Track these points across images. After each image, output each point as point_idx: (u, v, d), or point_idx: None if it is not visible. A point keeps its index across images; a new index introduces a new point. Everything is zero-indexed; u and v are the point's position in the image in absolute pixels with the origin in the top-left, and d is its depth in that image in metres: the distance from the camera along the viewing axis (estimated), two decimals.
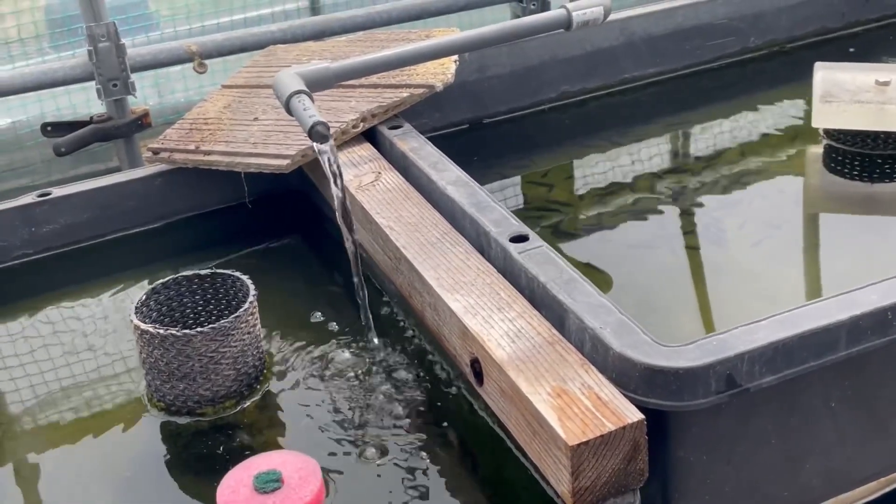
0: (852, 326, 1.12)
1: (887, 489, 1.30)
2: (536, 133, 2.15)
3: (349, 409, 1.33)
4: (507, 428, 1.17)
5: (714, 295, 1.56)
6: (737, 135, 2.08)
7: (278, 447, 1.28)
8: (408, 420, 1.30)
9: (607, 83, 2.24)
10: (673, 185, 1.89)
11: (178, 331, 1.30)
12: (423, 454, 1.25)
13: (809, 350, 1.11)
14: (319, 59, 1.79)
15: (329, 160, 1.34)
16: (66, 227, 1.75)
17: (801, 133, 2.02)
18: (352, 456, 1.25)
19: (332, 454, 1.26)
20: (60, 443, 1.35)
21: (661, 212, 1.81)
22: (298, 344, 1.48)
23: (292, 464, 1.15)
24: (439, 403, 1.34)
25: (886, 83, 1.88)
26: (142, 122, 2.21)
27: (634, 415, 1.04)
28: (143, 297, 1.39)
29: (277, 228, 1.83)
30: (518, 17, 2.53)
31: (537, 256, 1.30)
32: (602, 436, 1.02)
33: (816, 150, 1.94)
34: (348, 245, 1.39)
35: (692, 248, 1.69)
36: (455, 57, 1.85)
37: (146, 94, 2.49)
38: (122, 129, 2.21)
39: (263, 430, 1.32)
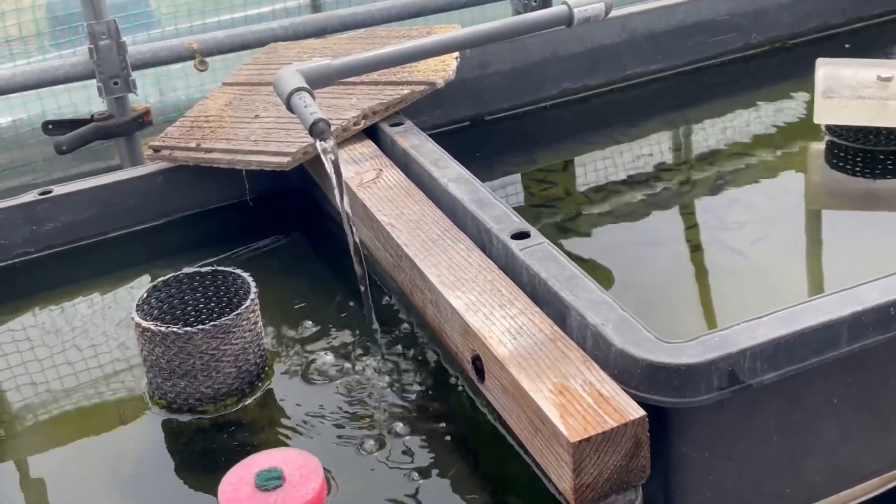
0: (854, 323, 1.12)
1: (890, 486, 1.30)
2: (538, 130, 2.15)
3: (351, 406, 1.33)
4: (509, 425, 1.17)
5: (716, 292, 1.56)
6: (739, 131, 2.08)
7: (280, 445, 1.27)
8: (409, 417, 1.30)
9: (609, 80, 2.23)
10: (675, 182, 1.89)
11: (179, 328, 1.30)
12: (425, 451, 1.25)
13: (811, 346, 1.11)
14: (320, 57, 1.78)
15: (330, 157, 1.34)
16: (68, 225, 1.75)
17: (803, 129, 2.02)
18: (353, 453, 1.25)
19: (334, 452, 1.25)
20: (62, 441, 1.35)
21: (662, 208, 1.81)
22: (300, 341, 1.48)
23: (294, 461, 1.15)
24: (441, 400, 1.33)
25: (889, 79, 1.87)
26: (143, 120, 2.21)
27: (636, 411, 1.04)
28: (145, 295, 1.38)
29: (279, 226, 1.83)
30: (519, 13, 2.53)
31: (539, 253, 1.30)
32: (604, 432, 1.01)
33: (818, 147, 1.93)
34: (350, 241, 1.38)
35: (694, 245, 1.69)
36: (456, 54, 1.84)
37: (147, 92, 2.49)
38: (123, 127, 2.21)
39: (265, 427, 1.32)
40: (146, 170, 1.82)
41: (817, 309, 1.13)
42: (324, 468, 1.15)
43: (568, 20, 1.64)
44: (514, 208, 1.44)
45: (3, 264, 1.71)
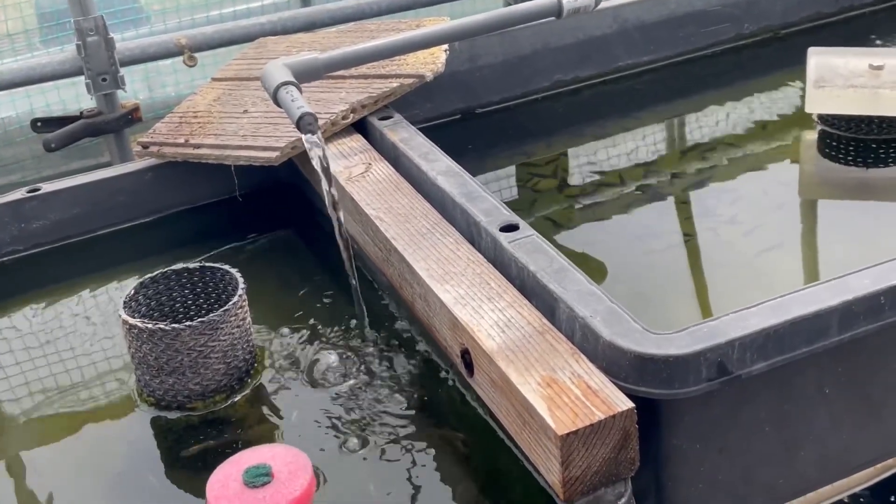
0: (844, 312, 1.11)
1: (883, 476, 1.29)
2: (529, 122, 2.14)
3: (340, 402, 1.32)
4: (499, 419, 1.16)
5: (710, 283, 1.56)
6: (731, 122, 2.07)
7: (269, 441, 1.27)
8: (400, 412, 1.29)
9: (601, 71, 2.22)
10: (667, 173, 1.88)
11: (166, 325, 1.29)
12: (415, 446, 1.24)
13: (801, 336, 1.10)
14: (309, 51, 1.77)
15: (318, 152, 1.33)
16: (56, 223, 1.74)
17: (796, 119, 2.01)
18: (342, 449, 1.24)
19: (323, 448, 1.25)
20: (50, 439, 1.34)
21: (655, 200, 1.80)
22: (289, 337, 1.47)
23: (282, 458, 1.14)
24: (431, 395, 1.33)
25: (880, 68, 1.87)
26: (132, 117, 2.20)
27: (624, 403, 1.03)
28: (132, 292, 1.37)
29: (269, 222, 1.82)
30: (509, 5, 2.52)
31: (527, 245, 1.29)
32: (591, 425, 1.01)
33: (811, 136, 1.93)
34: (339, 236, 1.37)
35: (687, 236, 1.68)
36: (445, 46, 1.83)
37: (136, 88, 2.48)
38: (112, 124, 2.20)
39: (254, 424, 1.31)
40: (135, 166, 1.81)
41: (807, 298, 1.12)
42: (313, 464, 1.14)
43: (557, 11, 1.63)
44: (506, 202, 1.43)
45: None
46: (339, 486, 1.19)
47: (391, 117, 1.75)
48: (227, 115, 1.84)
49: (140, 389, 1.36)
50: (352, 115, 1.74)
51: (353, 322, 1.47)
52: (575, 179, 1.91)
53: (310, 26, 2.30)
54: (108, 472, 1.27)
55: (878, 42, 2.27)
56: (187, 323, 1.29)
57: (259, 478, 1.11)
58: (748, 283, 1.53)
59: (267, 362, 1.41)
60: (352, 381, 1.36)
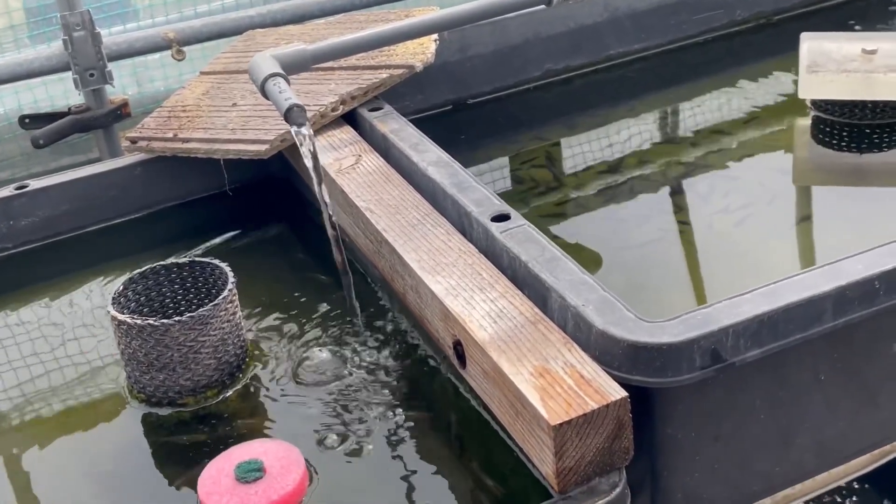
0: (839, 297, 1.10)
1: (880, 462, 1.29)
2: (521, 112, 2.12)
3: (333, 395, 1.31)
4: (492, 410, 1.15)
5: (704, 271, 1.55)
6: (724, 109, 2.06)
7: (262, 436, 1.26)
8: (392, 405, 1.28)
9: (592, 60, 2.21)
10: (660, 162, 1.87)
11: (155, 320, 1.28)
12: (408, 439, 1.23)
13: (795, 322, 1.09)
14: (298, 43, 1.75)
15: (307, 144, 1.32)
16: (45, 220, 1.72)
17: (789, 105, 2.00)
18: (335, 443, 1.23)
19: (316, 442, 1.24)
20: (41, 437, 1.33)
21: (648, 189, 1.79)
22: (281, 331, 1.46)
23: (274, 452, 1.13)
24: (424, 387, 1.32)
25: (873, 52, 1.85)
26: (121, 112, 2.19)
27: (618, 392, 1.02)
28: (121, 288, 1.36)
29: (259, 215, 1.80)
30: None
31: (519, 235, 1.28)
32: (585, 414, 1.00)
33: (804, 122, 1.92)
34: (329, 228, 1.36)
35: (682, 224, 1.67)
36: (435, 36, 1.82)
37: (125, 83, 2.46)
38: (100, 120, 2.18)
39: (246, 419, 1.30)
40: (124, 162, 1.79)
41: (801, 284, 1.11)
42: (305, 459, 1.13)
43: (547, 0, 1.61)
44: (498, 192, 1.42)
45: None
46: (331, 480, 1.18)
47: (381, 108, 1.73)
48: (215, 108, 1.83)
49: (130, 386, 1.35)
50: (341, 106, 1.73)
51: (345, 316, 1.45)
52: (568, 169, 1.90)
53: (299, 18, 2.28)
54: (98, 468, 1.26)
55: (857, 28, 2.26)
56: (177, 318, 1.28)
57: (251, 473, 1.10)
58: (743, 271, 1.52)
59: (259, 357, 1.40)
60: (344, 375, 1.35)
